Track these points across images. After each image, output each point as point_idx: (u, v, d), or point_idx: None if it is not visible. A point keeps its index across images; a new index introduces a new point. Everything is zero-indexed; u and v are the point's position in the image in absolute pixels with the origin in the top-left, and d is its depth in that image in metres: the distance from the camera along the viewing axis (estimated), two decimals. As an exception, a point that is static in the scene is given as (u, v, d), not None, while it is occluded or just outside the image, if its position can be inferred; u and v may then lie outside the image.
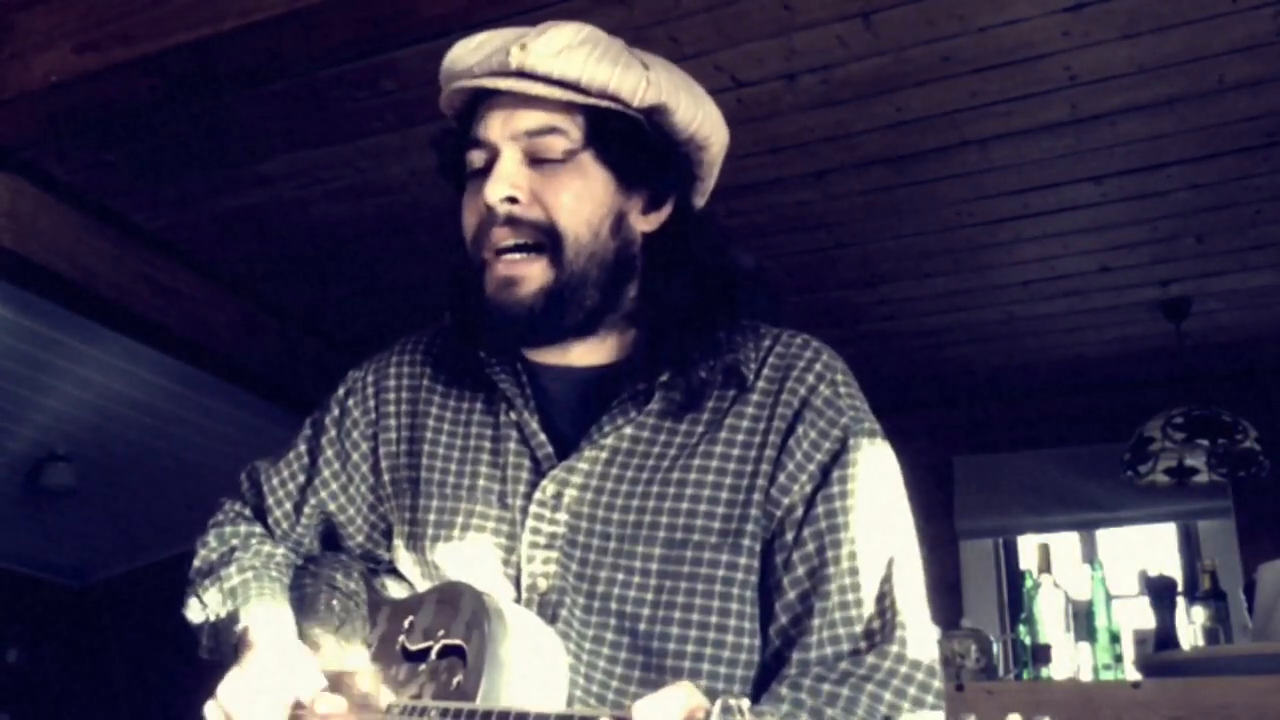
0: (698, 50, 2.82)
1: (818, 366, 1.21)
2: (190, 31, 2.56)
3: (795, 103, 3.05)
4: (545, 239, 1.16)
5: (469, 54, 1.20)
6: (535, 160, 1.17)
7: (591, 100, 1.16)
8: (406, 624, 1.18)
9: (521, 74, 1.14)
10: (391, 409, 1.32)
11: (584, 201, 1.16)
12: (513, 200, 1.16)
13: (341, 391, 1.37)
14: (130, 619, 6.21)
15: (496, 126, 1.17)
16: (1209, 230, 3.65)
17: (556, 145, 1.16)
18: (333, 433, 1.34)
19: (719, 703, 0.73)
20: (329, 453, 1.34)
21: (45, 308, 4.01)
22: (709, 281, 1.22)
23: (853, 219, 3.66)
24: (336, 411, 1.35)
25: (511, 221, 1.16)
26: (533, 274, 1.16)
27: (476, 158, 1.20)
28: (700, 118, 1.23)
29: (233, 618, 1.23)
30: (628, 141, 1.18)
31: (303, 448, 1.37)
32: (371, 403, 1.34)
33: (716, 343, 1.19)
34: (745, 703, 0.74)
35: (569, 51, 1.15)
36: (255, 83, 2.97)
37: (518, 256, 1.16)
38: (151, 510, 5.78)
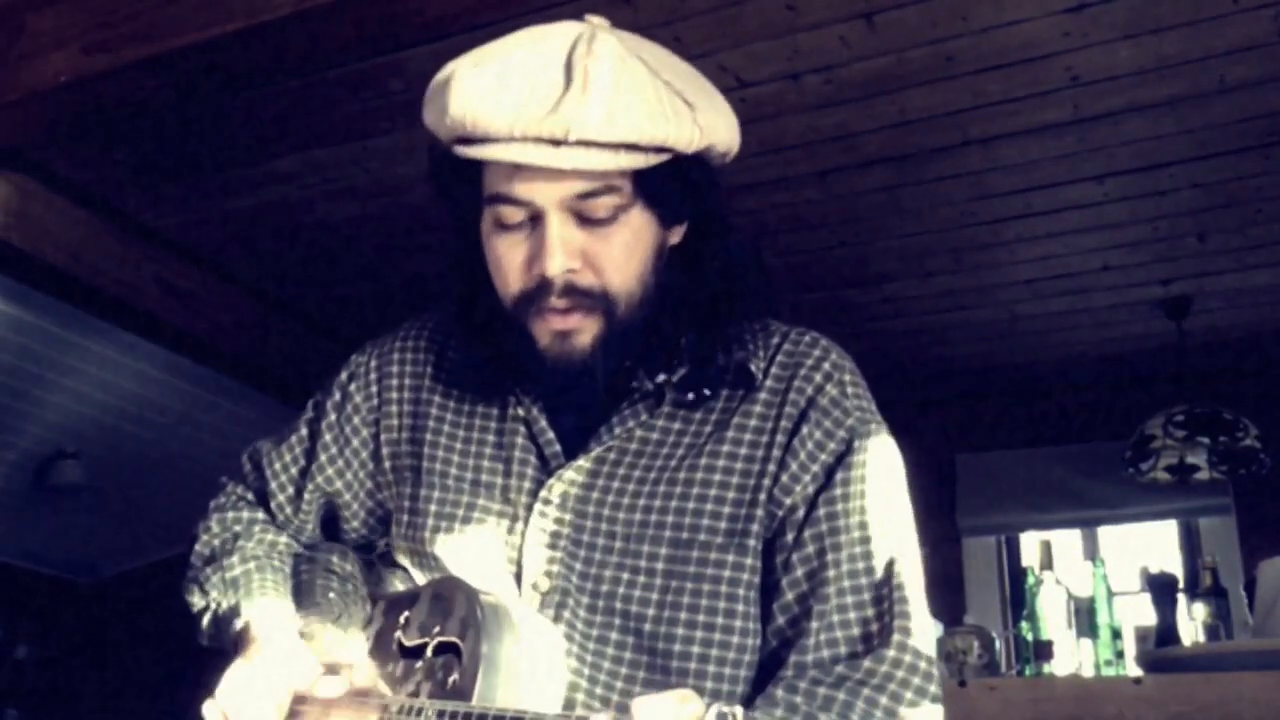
0: (702, 50, 2.83)
1: (825, 366, 1.19)
2: (198, 32, 2.57)
3: (799, 103, 3.07)
4: (600, 303, 1.12)
5: (490, 103, 1.06)
6: (583, 219, 1.10)
7: (647, 158, 1.07)
8: (402, 619, 1.17)
9: (577, 142, 1.04)
10: (394, 395, 1.30)
11: (633, 256, 1.12)
12: (569, 270, 1.10)
13: (344, 376, 1.35)
14: (139, 615, 6.23)
15: (542, 190, 1.08)
16: (1210, 229, 3.66)
17: (607, 204, 1.09)
18: (333, 417, 1.33)
19: (714, 710, 0.73)
20: (327, 437, 1.32)
21: (54, 306, 4.02)
22: (725, 276, 1.21)
23: (856, 218, 3.67)
24: (338, 396, 1.34)
25: (569, 290, 1.10)
26: (586, 325, 1.12)
27: (511, 214, 1.11)
28: (732, 138, 1.16)
29: (234, 610, 1.22)
30: (674, 185, 1.12)
31: (304, 431, 1.36)
32: (374, 388, 1.32)
33: (727, 340, 1.18)
34: (739, 710, 0.74)
35: (619, 106, 1.04)
36: (263, 83, 2.99)
37: (570, 311, 1.12)
38: (159, 507, 5.79)
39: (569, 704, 1.11)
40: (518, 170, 1.08)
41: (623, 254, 1.11)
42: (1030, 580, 3.11)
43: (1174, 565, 4.73)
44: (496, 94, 1.06)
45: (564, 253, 1.09)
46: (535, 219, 1.10)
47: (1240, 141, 3.18)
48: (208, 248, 4.01)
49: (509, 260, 1.13)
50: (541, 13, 2.53)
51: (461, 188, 1.15)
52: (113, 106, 2.90)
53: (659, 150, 1.07)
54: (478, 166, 1.12)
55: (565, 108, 1.03)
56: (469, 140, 1.08)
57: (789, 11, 2.71)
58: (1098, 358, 4.72)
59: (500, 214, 1.12)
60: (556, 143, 1.04)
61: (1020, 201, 3.53)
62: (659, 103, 1.06)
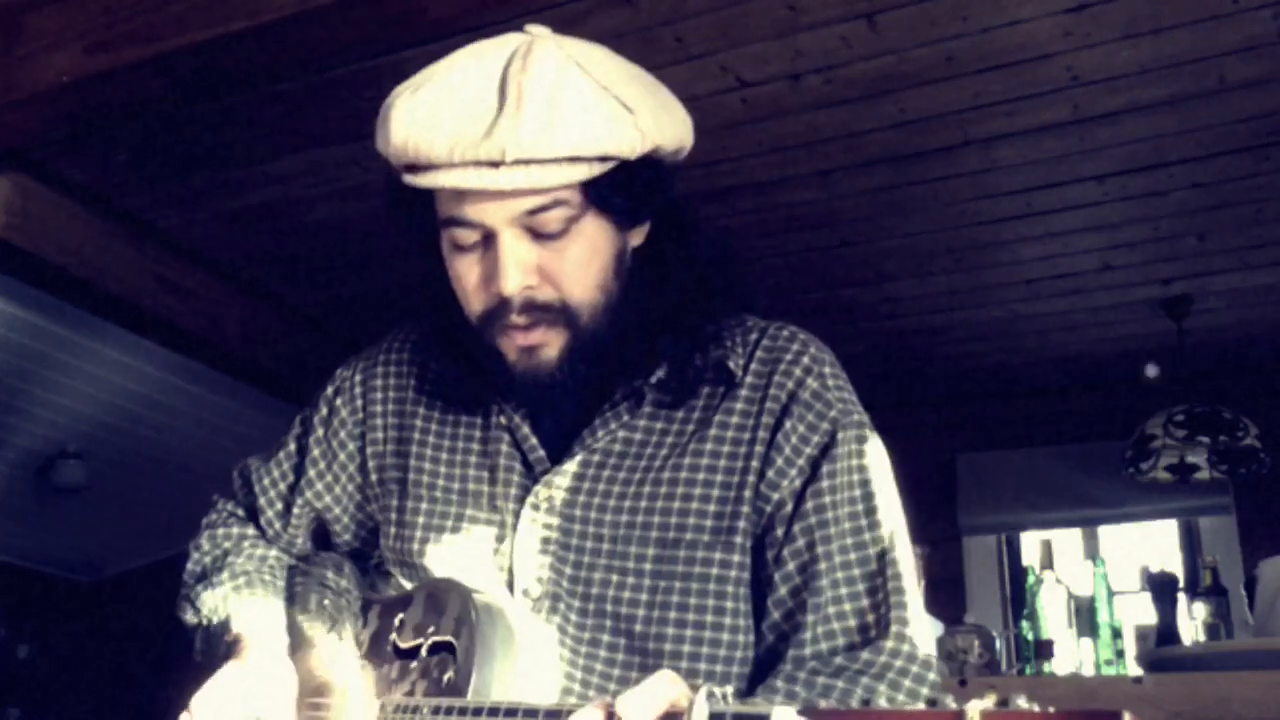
0: (703, 51, 2.84)
1: (805, 359, 1.19)
2: (200, 32, 2.57)
3: (800, 103, 3.07)
4: (561, 315, 1.12)
5: (428, 129, 1.06)
6: (536, 234, 1.10)
7: (590, 168, 1.07)
8: (397, 622, 1.19)
9: (516, 162, 1.04)
10: (379, 408, 1.32)
11: (590, 265, 1.12)
12: (526, 286, 1.11)
13: (330, 390, 1.36)
14: (140, 614, 6.24)
15: (490, 211, 1.08)
16: (1210, 229, 3.67)
17: (558, 217, 1.09)
18: (320, 432, 1.34)
19: (703, 690, 0.74)
20: (315, 452, 1.34)
21: (56, 306, 4.04)
22: (694, 276, 1.21)
23: (857, 218, 3.68)
24: (325, 411, 1.35)
25: (527, 307, 1.11)
26: (551, 339, 1.13)
27: (464, 235, 1.12)
28: (680, 134, 1.16)
29: (224, 626, 1.24)
30: (624, 189, 1.11)
31: (292, 446, 1.37)
32: (359, 402, 1.33)
33: (705, 338, 1.18)
34: (729, 689, 0.75)
35: (556, 120, 1.04)
36: (264, 83, 2.99)
37: (534, 327, 1.13)
38: (161, 506, 5.80)
39: (558, 696, 1.12)
40: (464, 194, 1.08)
41: (579, 265, 1.12)
42: (1031, 579, 3.12)
43: (1174, 564, 4.73)
44: (433, 120, 1.06)
45: (518, 271, 1.09)
46: (489, 238, 1.11)
47: (1240, 141, 3.18)
48: (209, 247, 4.02)
49: (468, 280, 1.14)
50: (543, 14, 2.53)
51: (416, 212, 1.16)
52: (114, 107, 2.91)
53: (602, 159, 1.07)
54: (429, 191, 1.12)
55: (500, 129, 1.03)
56: (414, 167, 1.09)
57: (790, 12, 2.72)
58: (1098, 357, 4.72)
59: (454, 236, 1.12)
60: (495, 164, 1.04)
61: (1021, 201, 3.53)
62: (596, 112, 1.06)
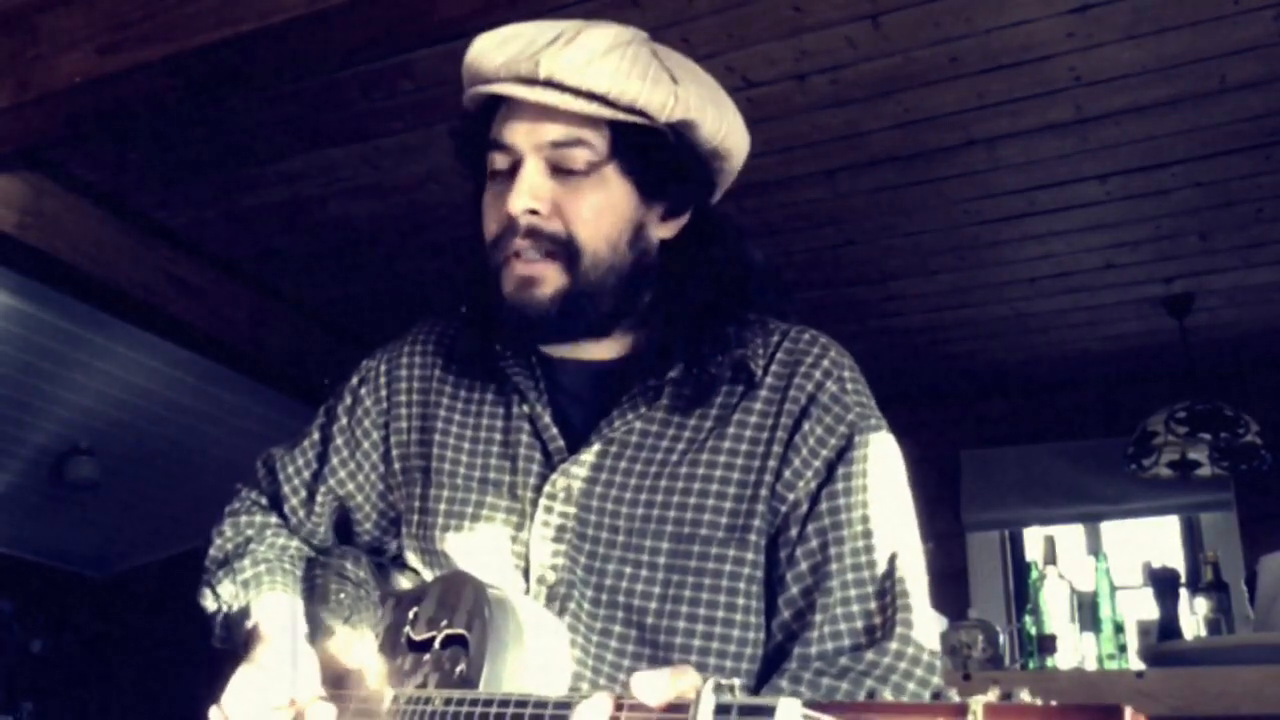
0: (709, 51, 2.86)
1: (825, 363, 1.21)
2: (210, 33, 2.59)
3: (805, 103, 3.10)
4: (562, 250, 1.16)
5: (492, 51, 1.16)
6: (558, 170, 1.16)
7: (618, 114, 1.14)
8: (411, 614, 1.19)
9: (548, 83, 1.12)
10: (403, 398, 1.33)
11: (604, 215, 1.17)
12: (534, 212, 1.16)
13: (355, 380, 1.38)
14: (151, 610, 6.26)
15: (520, 134, 1.16)
16: (1211, 228, 3.69)
17: (580, 157, 1.15)
18: (344, 421, 1.36)
19: (710, 682, 0.75)
20: (339, 441, 1.35)
21: (68, 303, 4.05)
22: (724, 281, 1.23)
23: (862, 217, 3.70)
24: (349, 400, 1.36)
25: (532, 233, 1.16)
26: (549, 275, 1.16)
27: (499, 160, 1.19)
28: (725, 130, 1.20)
29: (244, 612, 1.24)
30: (652, 154, 1.17)
31: (316, 436, 1.38)
32: (384, 392, 1.35)
33: (727, 338, 1.20)
34: (736, 682, 0.76)
35: (598, 61, 1.12)
36: (274, 83, 3.02)
37: (535, 258, 1.17)
38: (172, 502, 5.82)
39: (570, 690, 1.12)
40: (503, 118, 1.18)
41: (592, 210, 1.17)
42: (1034, 575, 3.13)
43: (1176, 560, 4.73)
44: (499, 45, 1.17)
45: (529, 194, 1.15)
46: (517, 166, 1.17)
47: (1241, 141, 3.20)
48: (220, 246, 4.05)
49: (491, 208, 1.21)
50: (550, 14, 2.55)
51: (472, 148, 1.24)
52: (126, 107, 2.92)
53: (631, 110, 1.14)
54: (485, 127, 1.21)
55: (546, 54, 1.12)
56: (473, 84, 1.19)
57: (795, 13, 2.74)
58: (1100, 355, 4.74)
59: (491, 160, 1.20)
60: (530, 82, 1.13)
61: (1024, 200, 3.56)
62: (639, 67, 1.14)
